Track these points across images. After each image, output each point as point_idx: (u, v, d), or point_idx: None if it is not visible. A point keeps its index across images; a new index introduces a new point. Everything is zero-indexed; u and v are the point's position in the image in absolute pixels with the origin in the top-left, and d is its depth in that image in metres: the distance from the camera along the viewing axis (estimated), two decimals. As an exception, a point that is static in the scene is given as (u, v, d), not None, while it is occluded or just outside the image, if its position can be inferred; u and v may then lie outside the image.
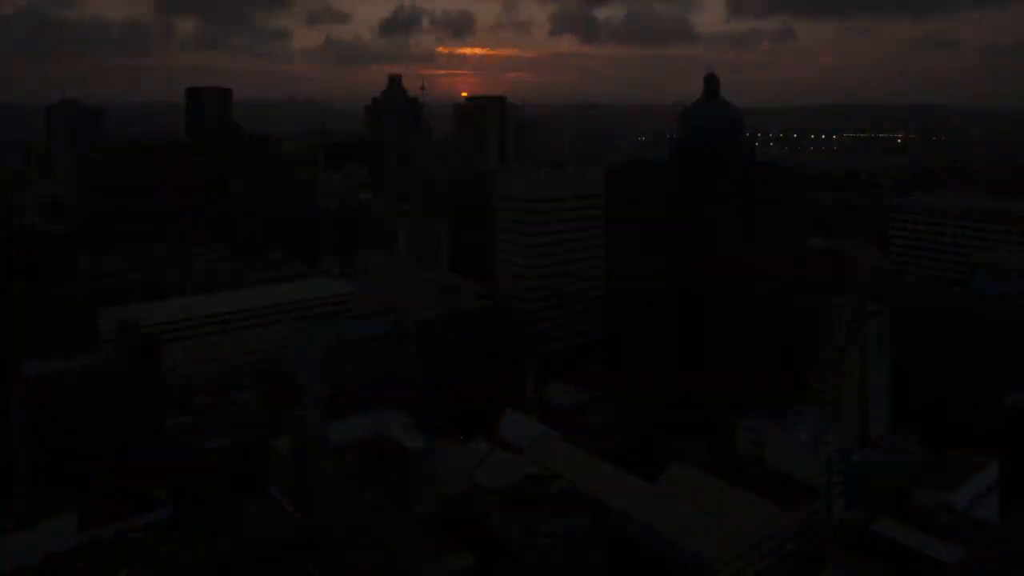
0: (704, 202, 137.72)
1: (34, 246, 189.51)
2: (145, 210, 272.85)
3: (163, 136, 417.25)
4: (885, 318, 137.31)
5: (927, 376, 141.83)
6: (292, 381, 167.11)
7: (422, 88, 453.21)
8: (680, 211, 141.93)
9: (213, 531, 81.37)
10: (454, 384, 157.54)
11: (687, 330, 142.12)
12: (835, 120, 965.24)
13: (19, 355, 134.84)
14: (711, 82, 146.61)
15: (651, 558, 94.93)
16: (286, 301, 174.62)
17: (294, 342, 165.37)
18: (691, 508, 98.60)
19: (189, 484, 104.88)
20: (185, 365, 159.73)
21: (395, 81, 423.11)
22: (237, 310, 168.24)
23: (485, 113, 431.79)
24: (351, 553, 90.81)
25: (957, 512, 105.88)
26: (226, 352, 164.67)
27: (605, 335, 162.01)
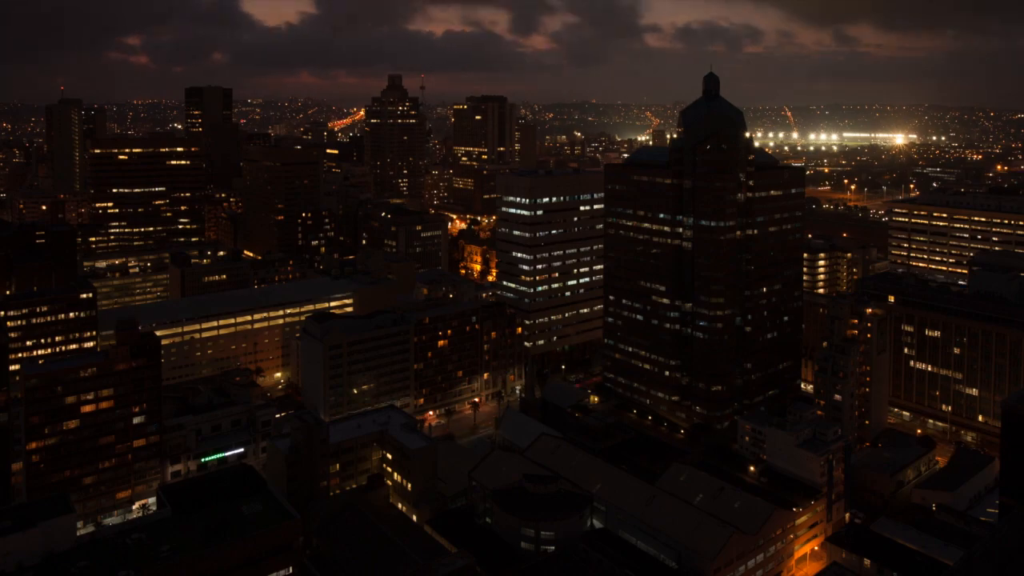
0: (704, 202, 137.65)
1: (35, 244, 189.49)
2: (145, 209, 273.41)
3: (163, 135, 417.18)
4: (885, 318, 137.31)
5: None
6: (293, 380, 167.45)
7: (422, 88, 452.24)
8: (680, 211, 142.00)
9: (213, 531, 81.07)
10: (454, 383, 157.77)
11: (687, 330, 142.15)
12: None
13: (20, 354, 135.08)
14: (710, 82, 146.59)
15: (651, 558, 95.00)
16: (286, 301, 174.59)
17: (294, 342, 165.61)
18: (691, 508, 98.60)
19: (189, 484, 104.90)
20: (185, 365, 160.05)
21: (395, 81, 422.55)
22: (236, 310, 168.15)
23: (485, 113, 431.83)
24: (351, 553, 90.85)
25: (957, 512, 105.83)
26: (226, 352, 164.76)
27: (605, 335, 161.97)
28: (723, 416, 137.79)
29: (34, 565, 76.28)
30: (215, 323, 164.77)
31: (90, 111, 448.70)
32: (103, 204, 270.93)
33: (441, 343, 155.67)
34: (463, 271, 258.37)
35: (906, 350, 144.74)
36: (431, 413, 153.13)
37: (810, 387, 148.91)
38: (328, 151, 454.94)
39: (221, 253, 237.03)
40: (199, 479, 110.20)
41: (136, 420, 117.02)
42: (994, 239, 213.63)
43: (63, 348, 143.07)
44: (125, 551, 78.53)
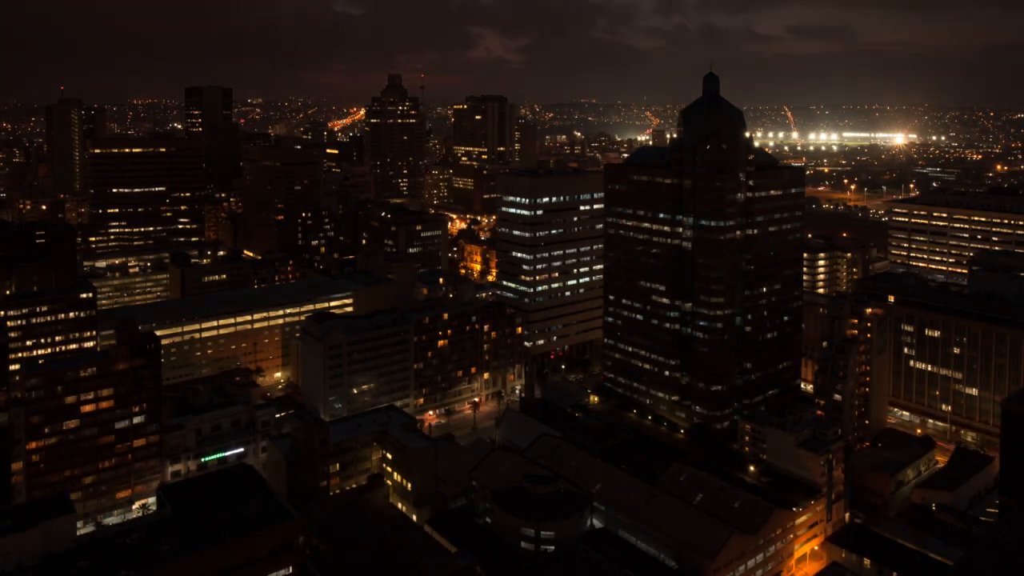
0: (704, 202, 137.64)
1: (35, 244, 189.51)
2: (145, 209, 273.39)
3: (163, 135, 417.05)
4: (885, 318, 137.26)
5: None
6: (293, 380, 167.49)
7: (422, 88, 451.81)
8: (680, 210, 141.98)
9: (213, 531, 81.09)
10: (454, 383, 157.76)
11: (687, 330, 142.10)
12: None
13: (20, 354, 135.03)
14: (710, 82, 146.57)
15: (651, 558, 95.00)
16: (286, 301, 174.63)
17: (294, 342, 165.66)
18: (691, 508, 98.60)
19: (189, 484, 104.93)
20: (185, 365, 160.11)
21: (395, 80, 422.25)
22: (236, 310, 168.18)
23: (485, 113, 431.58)
24: (351, 553, 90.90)
25: (957, 512, 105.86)
26: (226, 352, 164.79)
27: (605, 335, 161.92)
28: (723, 416, 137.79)
29: (34, 565, 76.28)
30: (215, 323, 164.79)
31: (90, 111, 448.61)
32: (103, 204, 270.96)
33: (441, 343, 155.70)
34: (463, 271, 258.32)
35: (906, 350, 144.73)
36: (431, 413, 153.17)
37: (810, 387, 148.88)
38: (328, 151, 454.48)
39: (221, 253, 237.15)
40: (199, 479, 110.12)
41: (136, 420, 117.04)
42: (994, 239, 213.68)
43: (63, 348, 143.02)
44: (125, 551, 78.51)
